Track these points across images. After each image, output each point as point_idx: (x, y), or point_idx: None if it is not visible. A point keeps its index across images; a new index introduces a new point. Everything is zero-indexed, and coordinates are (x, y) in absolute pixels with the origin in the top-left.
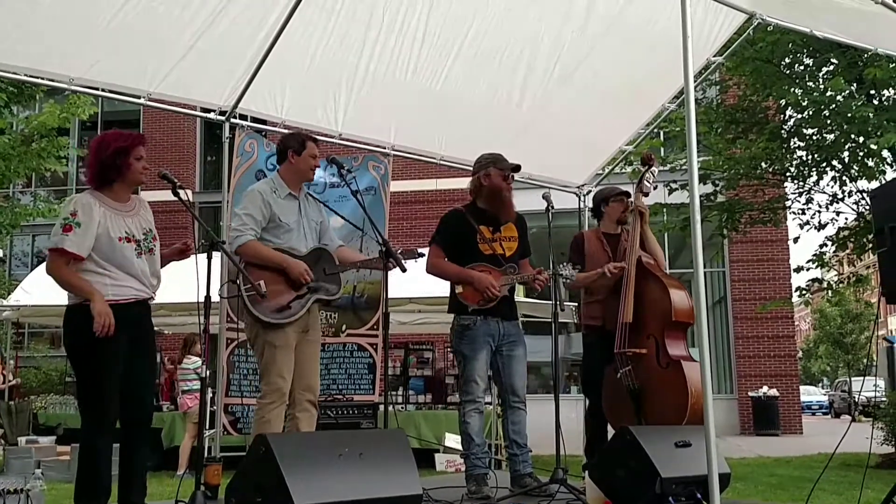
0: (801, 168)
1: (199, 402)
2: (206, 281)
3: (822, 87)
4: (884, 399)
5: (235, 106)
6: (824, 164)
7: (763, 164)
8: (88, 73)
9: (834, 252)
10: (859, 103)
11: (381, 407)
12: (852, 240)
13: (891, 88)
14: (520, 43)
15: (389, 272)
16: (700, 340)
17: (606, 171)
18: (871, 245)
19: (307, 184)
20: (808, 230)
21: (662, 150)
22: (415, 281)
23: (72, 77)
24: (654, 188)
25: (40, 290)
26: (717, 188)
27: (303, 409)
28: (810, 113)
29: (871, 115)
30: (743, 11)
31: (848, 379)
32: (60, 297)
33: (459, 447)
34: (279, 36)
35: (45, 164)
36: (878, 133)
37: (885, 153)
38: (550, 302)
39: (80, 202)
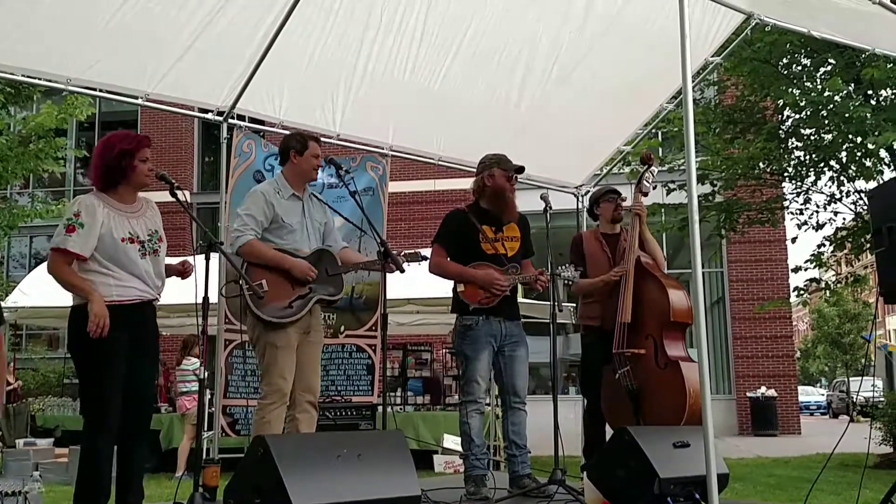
0: (799, 168)
1: (198, 403)
2: (205, 282)
3: (819, 87)
4: (882, 399)
5: (233, 106)
6: (822, 165)
7: (761, 165)
8: (86, 73)
9: (832, 252)
10: (857, 103)
11: (380, 408)
12: (850, 240)
13: (888, 88)
14: (518, 43)
15: (388, 273)
16: (698, 341)
17: (604, 171)
18: (868, 245)
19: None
20: (805, 230)
21: (661, 150)
22: (413, 282)
23: (69, 77)
24: (654, 188)
25: (38, 292)
26: (716, 188)
27: (303, 409)
28: (808, 113)
29: (868, 115)
30: (741, 11)
31: (846, 379)
32: (58, 298)
33: (458, 448)
34: (277, 36)
35: (42, 166)
36: (876, 133)
37: (883, 153)
38: (549, 303)
39: (83, 203)
